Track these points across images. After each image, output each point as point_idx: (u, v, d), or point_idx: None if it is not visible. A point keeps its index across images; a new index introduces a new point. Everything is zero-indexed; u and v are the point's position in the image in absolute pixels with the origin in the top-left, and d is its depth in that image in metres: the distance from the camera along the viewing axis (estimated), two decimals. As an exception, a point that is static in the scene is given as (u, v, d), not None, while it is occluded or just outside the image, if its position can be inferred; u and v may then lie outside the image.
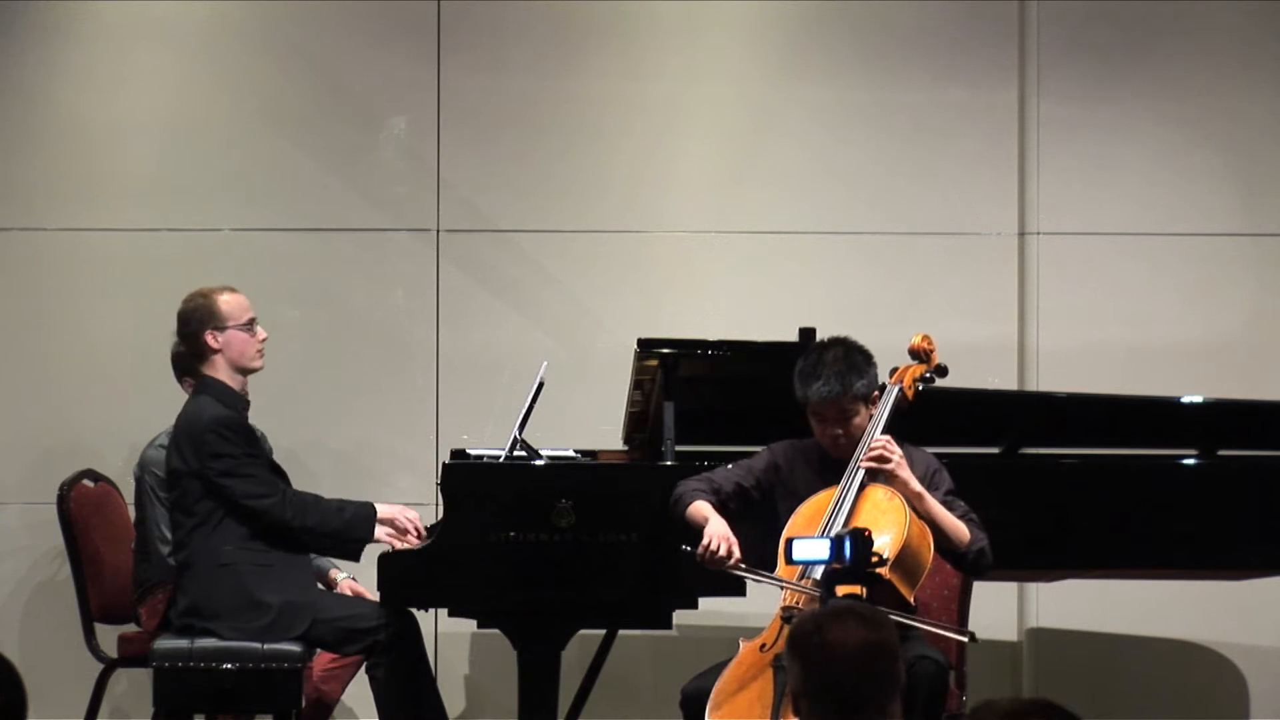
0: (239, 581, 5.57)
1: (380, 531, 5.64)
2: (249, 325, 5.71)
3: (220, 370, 5.68)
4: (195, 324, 5.69)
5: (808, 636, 3.26)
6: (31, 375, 7.06)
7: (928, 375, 5.23)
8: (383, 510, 5.67)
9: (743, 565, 5.02)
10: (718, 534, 5.04)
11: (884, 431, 5.07)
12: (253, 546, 5.60)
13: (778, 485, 5.23)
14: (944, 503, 5.06)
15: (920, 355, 5.26)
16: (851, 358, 5.11)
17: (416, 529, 5.65)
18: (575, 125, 7.15)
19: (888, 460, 4.97)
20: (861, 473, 4.99)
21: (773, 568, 4.98)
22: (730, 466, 5.31)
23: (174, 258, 7.04)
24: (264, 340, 5.75)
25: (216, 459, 5.57)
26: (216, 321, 5.67)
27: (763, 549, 5.08)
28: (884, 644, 3.25)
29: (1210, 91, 7.17)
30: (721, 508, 5.19)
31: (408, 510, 5.72)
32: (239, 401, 5.69)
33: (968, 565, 5.11)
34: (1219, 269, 7.17)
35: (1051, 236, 7.14)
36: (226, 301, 5.70)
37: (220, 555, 5.58)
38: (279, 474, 5.75)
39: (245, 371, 5.72)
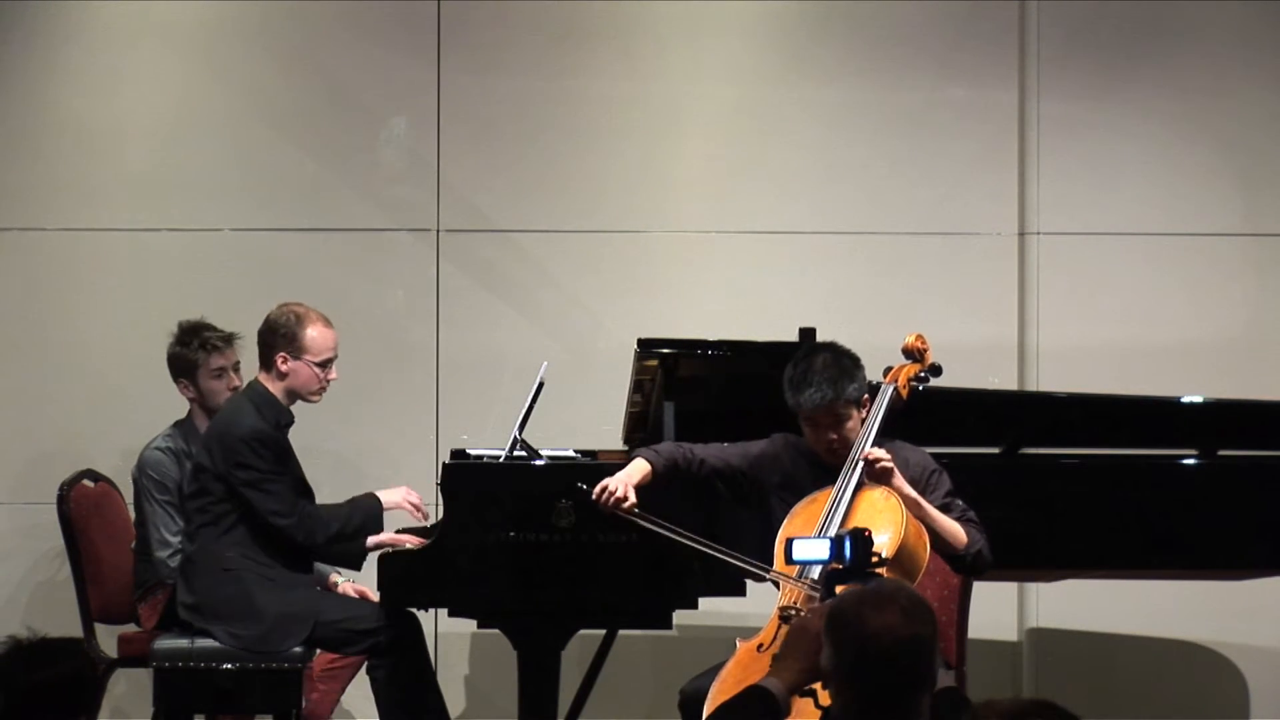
0: (240, 588, 5.58)
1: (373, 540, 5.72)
2: (324, 364, 5.70)
3: (275, 385, 5.69)
4: (276, 340, 5.68)
5: (847, 622, 3.24)
6: (29, 375, 7.06)
7: (922, 374, 5.23)
8: (386, 499, 5.75)
9: (637, 511, 5.06)
10: (616, 479, 5.10)
11: (879, 430, 5.07)
12: (256, 556, 5.60)
13: (773, 476, 5.22)
14: (942, 505, 5.06)
15: (914, 354, 5.26)
16: (840, 362, 5.11)
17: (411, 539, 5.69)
18: (575, 125, 7.15)
19: (889, 464, 4.96)
20: (858, 473, 4.99)
21: (771, 566, 4.98)
22: (727, 445, 5.31)
23: (174, 258, 7.05)
24: (332, 380, 5.74)
25: (244, 469, 5.58)
26: (294, 349, 5.66)
27: (762, 547, 5.08)
28: (922, 639, 3.23)
29: (1210, 91, 7.17)
30: (702, 483, 5.22)
31: (396, 535, 5.74)
32: (281, 416, 5.69)
33: (966, 567, 5.12)
34: (1219, 269, 7.17)
35: (1051, 236, 7.14)
36: (314, 335, 5.68)
37: (224, 560, 5.60)
38: (306, 493, 5.75)
39: (299, 399, 5.73)
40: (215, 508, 5.62)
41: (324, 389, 5.75)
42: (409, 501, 5.82)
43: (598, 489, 5.09)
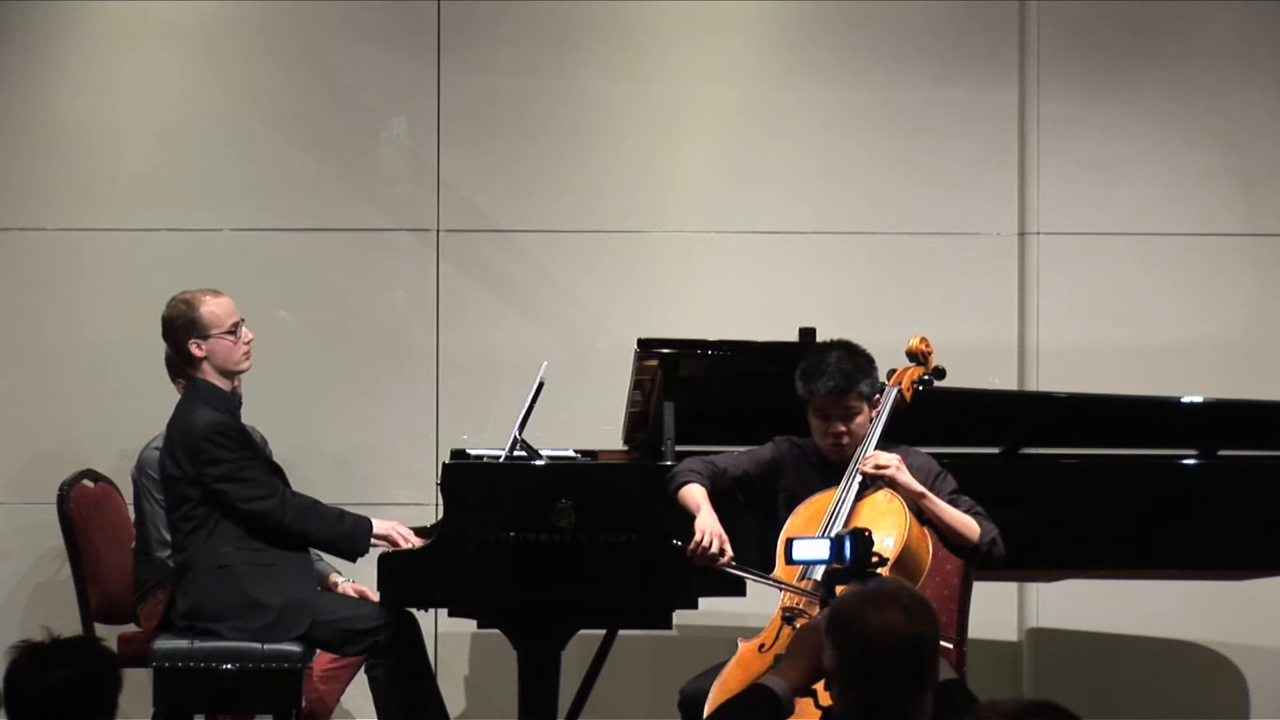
0: (238, 583, 5.57)
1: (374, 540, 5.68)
2: (233, 330, 5.69)
3: (209, 374, 5.68)
4: (179, 333, 5.68)
5: (849, 622, 3.23)
6: (29, 376, 7.06)
7: (926, 377, 5.23)
8: (379, 526, 5.68)
9: (734, 563, 5.01)
10: (709, 529, 5.02)
11: (883, 433, 5.08)
12: (252, 546, 5.59)
13: (781, 479, 5.22)
14: (949, 500, 5.06)
15: (918, 357, 5.26)
16: (855, 358, 5.13)
17: (411, 544, 5.65)
18: (575, 125, 7.15)
19: (885, 467, 4.96)
20: (861, 474, 4.99)
21: (773, 568, 4.98)
22: (737, 453, 5.30)
23: (174, 258, 7.04)
24: (250, 341, 5.73)
25: (213, 465, 5.57)
26: (199, 331, 5.65)
27: (766, 549, 5.08)
28: (925, 638, 3.22)
29: (1210, 91, 7.17)
30: (724, 495, 5.19)
31: (401, 526, 5.71)
32: (231, 402, 5.69)
33: (980, 558, 5.08)
34: (1219, 269, 7.17)
35: (1051, 236, 7.14)
36: (209, 310, 5.67)
37: (219, 557, 5.58)
38: (277, 473, 5.75)
39: (233, 374, 5.72)
40: (197, 512, 5.61)
41: (248, 352, 5.73)
42: (397, 531, 5.69)
43: (691, 545, 5.01)
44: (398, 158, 7.15)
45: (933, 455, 5.24)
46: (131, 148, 7.12)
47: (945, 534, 5.01)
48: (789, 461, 5.24)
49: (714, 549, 4.99)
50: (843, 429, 5.10)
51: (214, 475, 5.57)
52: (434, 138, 7.12)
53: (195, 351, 5.66)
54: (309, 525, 5.62)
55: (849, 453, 5.08)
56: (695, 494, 5.13)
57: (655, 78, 7.16)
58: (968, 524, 5.02)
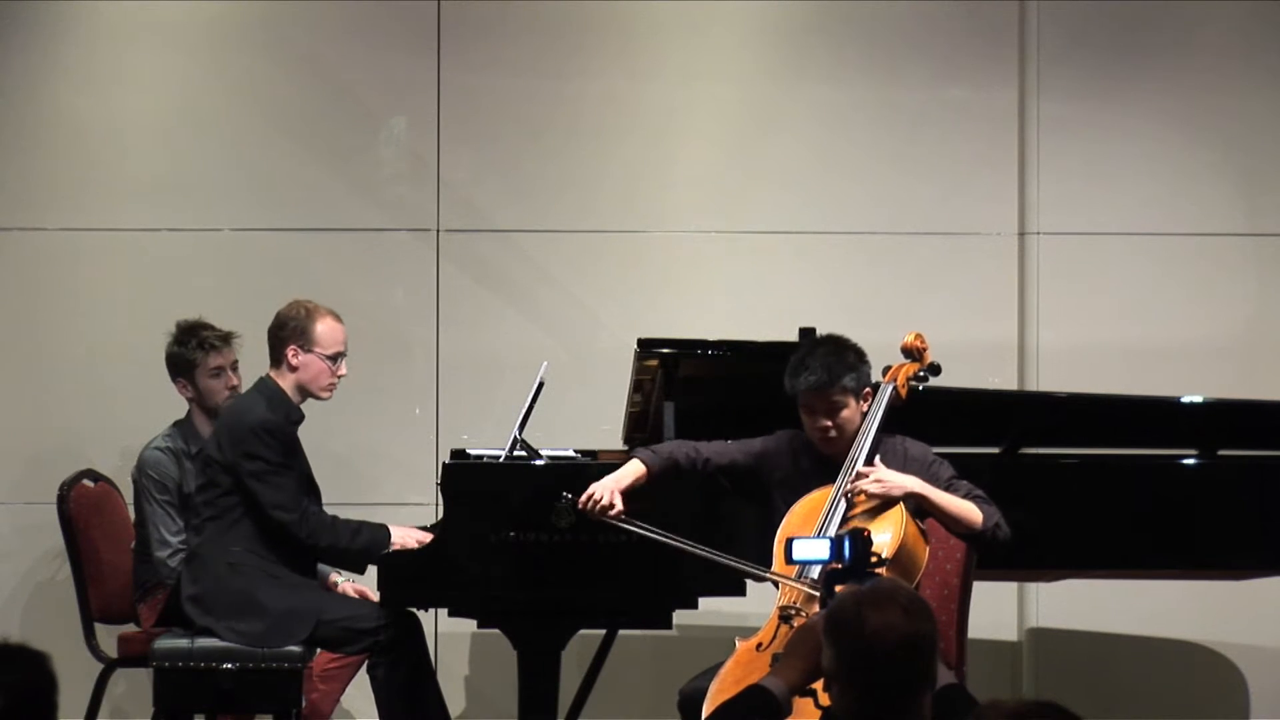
0: (243, 584, 5.58)
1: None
2: (334, 358, 5.72)
3: (286, 379, 5.70)
4: (286, 333, 5.70)
5: (847, 622, 3.23)
6: (29, 376, 7.06)
7: (921, 373, 5.23)
8: (396, 535, 5.68)
9: (624, 518, 5.07)
10: (603, 485, 5.11)
11: (879, 428, 5.08)
12: (261, 552, 5.61)
13: (775, 473, 5.22)
14: (947, 487, 5.06)
15: (913, 353, 5.27)
16: (842, 353, 5.13)
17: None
18: (575, 125, 7.15)
19: (872, 486, 4.95)
20: (856, 471, 5.00)
21: (770, 563, 4.98)
22: (730, 442, 5.31)
23: (174, 258, 7.05)
24: (342, 376, 5.75)
25: (250, 459, 5.58)
26: (305, 341, 5.68)
27: (762, 544, 5.08)
28: (923, 636, 3.22)
29: (1210, 91, 7.17)
30: (707, 480, 5.22)
31: (416, 533, 5.70)
32: (293, 411, 5.69)
33: (987, 541, 5.08)
34: (1219, 269, 7.17)
35: (1051, 236, 7.14)
36: (324, 328, 5.71)
37: (229, 555, 5.60)
38: (311, 492, 5.75)
39: (308, 396, 5.73)
40: (221, 501, 5.63)
41: (334, 385, 5.77)
42: (416, 541, 5.69)
43: (584, 497, 5.11)
44: (398, 157, 7.15)
45: (927, 446, 5.24)
46: (131, 148, 7.12)
47: (947, 522, 5.01)
48: (786, 454, 5.23)
49: (605, 501, 5.08)
50: (828, 423, 5.10)
51: (248, 470, 5.59)
52: (434, 137, 7.12)
53: (291, 358, 5.68)
54: (323, 540, 5.64)
55: (841, 447, 5.08)
56: (625, 468, 5.20)
57: (655, 78, 7.16)
58: (969, 510, 5.02)
